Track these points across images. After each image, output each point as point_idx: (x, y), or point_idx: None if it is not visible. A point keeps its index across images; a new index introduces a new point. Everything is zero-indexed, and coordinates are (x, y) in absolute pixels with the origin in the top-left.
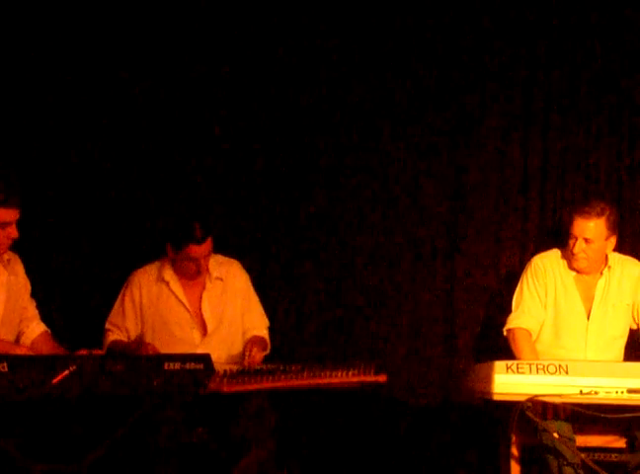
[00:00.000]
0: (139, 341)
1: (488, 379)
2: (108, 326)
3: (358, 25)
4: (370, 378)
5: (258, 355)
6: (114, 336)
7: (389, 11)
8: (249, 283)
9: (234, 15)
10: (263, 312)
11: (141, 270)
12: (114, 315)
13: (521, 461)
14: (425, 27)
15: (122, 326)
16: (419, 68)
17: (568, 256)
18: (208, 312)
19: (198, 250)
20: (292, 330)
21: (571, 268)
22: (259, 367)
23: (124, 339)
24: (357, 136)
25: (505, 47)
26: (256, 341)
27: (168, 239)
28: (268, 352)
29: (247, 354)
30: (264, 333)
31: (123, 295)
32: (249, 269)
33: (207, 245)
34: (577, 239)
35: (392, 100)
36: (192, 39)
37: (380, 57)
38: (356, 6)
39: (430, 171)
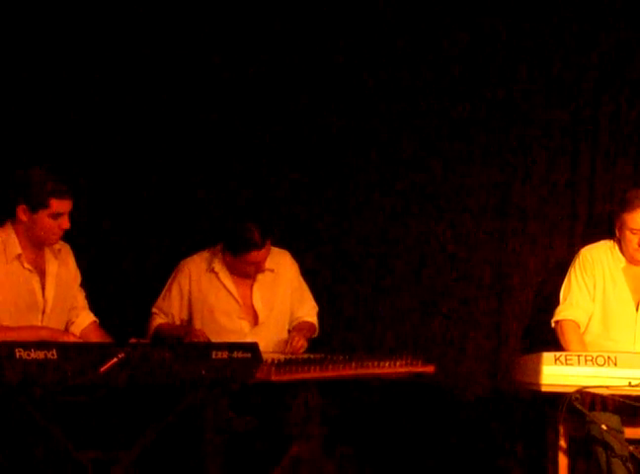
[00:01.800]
0: (187, 327)
1: (536, 370)
2: (154, 310)
3: None
4: (418, 369)
5: (301, 342)
6: (160, 320)
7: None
8: (299, 273)
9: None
10: (313, 300)
11: (191, 258)
12: (160, 301)
13: (569, 453)
14: None
15: (168, 312)
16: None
17: (628, 251)
18: (260, 303)
19: (258, 255)
20: (339, 321)
21: (630, 261)
22: (307, 357)
23: (170, 322)
24: (407, 147)
25: None
26: (302, 327)
27: (227, 247)
28: (316, 335)
29: (290, 341)
30: (313, 318)
31: (171, 283)
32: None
33: (267, 247)
34: None
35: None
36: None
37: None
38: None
39: (479, 157)
